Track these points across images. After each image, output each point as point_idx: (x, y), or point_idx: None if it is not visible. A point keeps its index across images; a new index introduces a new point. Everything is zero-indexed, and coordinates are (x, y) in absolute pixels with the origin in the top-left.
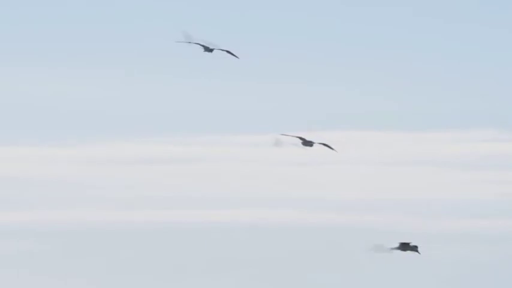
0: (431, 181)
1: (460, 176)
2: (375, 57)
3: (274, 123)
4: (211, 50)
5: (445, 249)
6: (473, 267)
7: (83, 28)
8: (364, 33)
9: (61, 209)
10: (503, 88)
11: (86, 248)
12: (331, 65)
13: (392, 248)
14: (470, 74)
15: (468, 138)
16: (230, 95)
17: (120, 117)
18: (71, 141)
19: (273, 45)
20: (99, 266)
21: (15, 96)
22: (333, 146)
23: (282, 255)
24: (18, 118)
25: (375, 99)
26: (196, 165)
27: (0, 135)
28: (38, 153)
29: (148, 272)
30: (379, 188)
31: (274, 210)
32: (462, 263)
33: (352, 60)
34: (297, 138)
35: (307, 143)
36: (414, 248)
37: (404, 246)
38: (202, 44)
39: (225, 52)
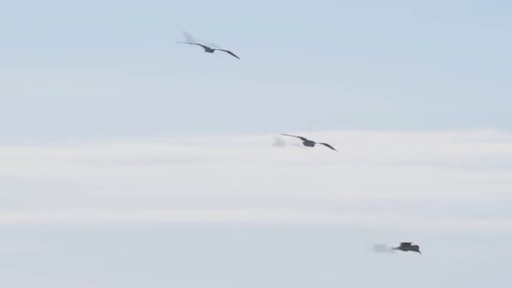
0: (431, 181)
1: (460, 176)
2: (375, 57)
3: (274, 123)
4: (212, 51)
5: (445, 249)
6: (473, 267)
7: (83, 28)
8: (364, 33)
9: (61, 209)
10: (503, 88)
11: (86, 248)
12: (331, 65)
13: (394, 248)
14: (470, 74)
15: (468, 138)
16: (230, 95)
17: (120, 117)
18: (71, 141)
19: (273, 45)
20: (99, 266)
21: (15, 96)
22: (333, 146)
23: (282, 255)
24: (18, 118)
25: (375, 99)
26: (196, 165)
27: (0, 135)
28: (38, 153)
29: (148, 272)
30: (379, 188)
31: (274, 210)
32: (462, 263)
33: (352, 60)
34: (298, 138)
35: (309, 143)
36: (415, 248)
37: (406, 246)
38: (203, 44)
39: (225, 52)
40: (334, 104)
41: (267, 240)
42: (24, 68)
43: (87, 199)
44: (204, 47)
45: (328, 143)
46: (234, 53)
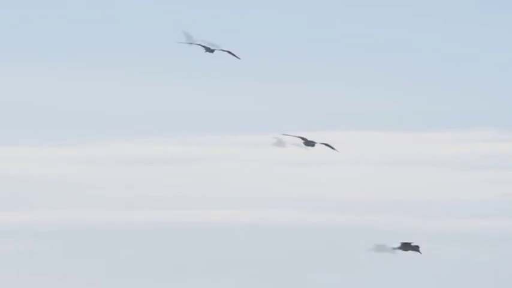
0: (431, 181)
1: (460, 176)
2: (375, 57)
3: (274, 123)
4: (212, 51)
5: (445, 249)
6: (473, 267)
7: (83, 28)
8: (364, 33)
9: (61, 209)
10: (503, 88)
11: (86, 248)
12: (331, 65)
13: (394, 248)
14: (470, 74)
15: (468, 138)
16: (230, 95)
17: (120, 117)
18: (71, 141)
19: (273, 45)
20: (99, 266)
21: (15, 96)
22: (334, 146)
23: (282, 255)
24: (18, 118)
25: (375, 99)
26: (196, 165)
27: (0, 135)
28: (38, 153)
29: (148, 272)
30: (379, 188)
31: (274, 210)
32: (462, 263)
33: (352, 60)
34: (299, 138)
35: (309, 143)
36: (416, 248)
37: (406, 246)
38: (203, 44)
39: (226, 53)
40: (334, 104)
41: (267, 240)
42: (24, 68)
43: (87, 199)
44: (204, 47)
45: (328, 143)
46: (235, 53)
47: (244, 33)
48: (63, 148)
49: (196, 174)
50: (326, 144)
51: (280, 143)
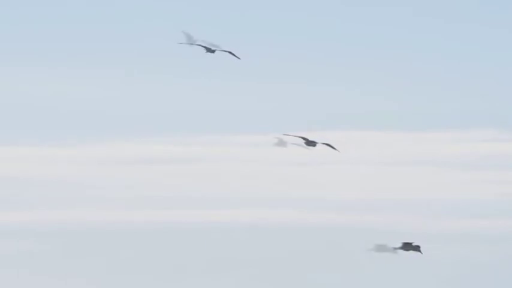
0: (431, 181)
1: (460, 176)
2: (375, 57)
3: (275, 123)
4: (213, 51)
5: (445, 249)
6: (473, 267)
7: (83, 28)
8: (364, 33)
9: (61, 209)
10: (503, 88)
11: (86, 248)
12: (331, 65)
13: (395, 248)
14: (470, 74)
15: (468, 138)
16: (230, 95)
17: (120, 117)
18: (71, 141)
19: (273, 45)
20: (99, 266)
21: (15, 96)
22: (335, 146)
23: (282, 255)
24: (18, 118)
25: (375, 99)
26: (196, 165)
27: (0, 135)
28: (38, 153)
29: (148, 272)
30: (379, 188)
31: (274, 210)
32: (462, 263)
33: (352, 60)
34: (300, 138)
35: (310, 143)
36: (416, 248)
37: (407, 246)
38: (204, 45)
39: (227, 53)
40: (334, 104)
41: (267, 240)
42: (24, 68)
43: (87, 199)
44: (205, 47)
45: (329, 143)
46: (235, 54)
47: (244, 33)
48: (63, 148)
49: (196, 174)
50: (327, 144)
51: (281, 143)
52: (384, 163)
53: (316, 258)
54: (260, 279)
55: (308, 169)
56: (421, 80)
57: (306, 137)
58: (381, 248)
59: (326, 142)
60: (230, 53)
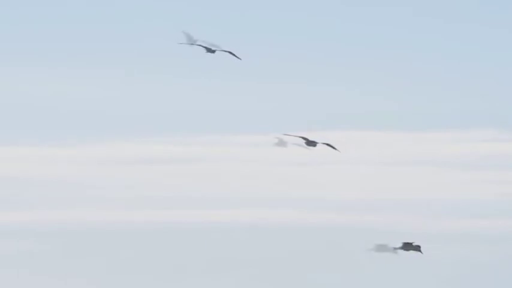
0: (431, 181)
1: (460, 176)
2: (375, 57)
3: (275, 123)
4: (213, 51)
5: (445, 249)
6: (473, 267)
7: (83, 28)
8: (364, 33)
9: (61, 209)
10: (503, 88)
11: (86, 248)
12: (331, 65)
13: (396, 248)
14: (470, 74)
15: (468, 138)
16: (230, 95)
17: (120, 117)
18: (71, 141)
19: (273, 45)
20: (99, 266)
21: (15, 96)
22: (335, 146)
23: (282, 255)
24: (18, 118)
25: (375, 99)
26: (196, 165)
27: (0, 135)
28: (38, 153)
29: (148, 272)
30: (379, 188)
31: (274, 210)
32: (462, 263)
33: (352, 60)
34: (301, 138)
35: (311, 143)
36: (417, 248)
37: (407, 246)
38: (204, 45)
39: (227, 53)
40: (334, 104)
41: (267, 240)
42: (24, 68)
43: (87, 199)
44: (205, 47)
45: (330, 143)
46: (235, 54)
47: (244, 33)
48: (63, 148)
49: (196, 174)
50: (328, 144)
51: (281, 143)
52: (384, 163)
53: (316, 258)
54: (260, 279)
55: (308, 169)
56: (421, 80)
57: (306, 137)
58: (381, 248)
59: (326, 142)
60: (230, 53)
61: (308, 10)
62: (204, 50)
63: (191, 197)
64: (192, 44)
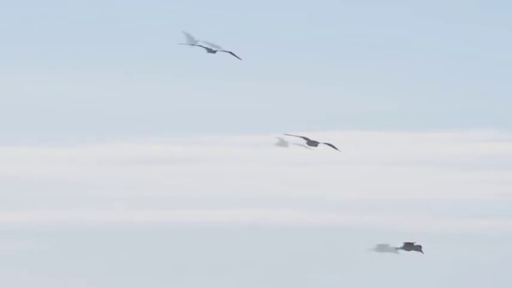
0: (431, 181)
1: (460, 176)
2: (375, 57)
3: (275, 123)
4: (214, 52)
5: (445, 249)
6: (473, 267)
7: (83, 28)
8: (364, 33)
9: (61, 209)
10: (503, 88)
11: (86, 248)
12: (331, 65)
13: (397, 248)
14: (470, 74)
15: (468, 138)
16: (230, 95)
17: (120, 117)
18: (71, 141)
19: (273, 45)
20: (99, 266)
21: (15, 96)
22: (336, 146)
23: (282, 255)
24: (18, 118)
25: (375, 99)
26: (196, 165)
27: (0, 135)
28: (38, 153)
29: (148, 272)
30: (379, 188)
31: (274, 210)
32: (462, 263)
33: (352, 60)
34: (301, 138)
35: (312, 143)
36: (418, 248)
37: (408, 246)
38: (205, 45)
39: (227, 53)
40: (334, 104)
41: (267, 240)
42: (24, 68)
43: (87, 199)
44: (205, 48)
45: (331, 143)
46: (236, 54)
47: (244, 33)
48: (63, 148)
49: (196, 174)
50: (329, 144)
51: (282, 143)
52: (384, 163)
53: (316, 258)
54: (260, 279)
55: (308, 169)
56: (421, 80)
57: (307, 137)
58: (382, 248)
59: (327, 142)
60: (231, 53)
61: (308, 10)
62: (205, 51)
63: (191, 197)
64: (193, 44)
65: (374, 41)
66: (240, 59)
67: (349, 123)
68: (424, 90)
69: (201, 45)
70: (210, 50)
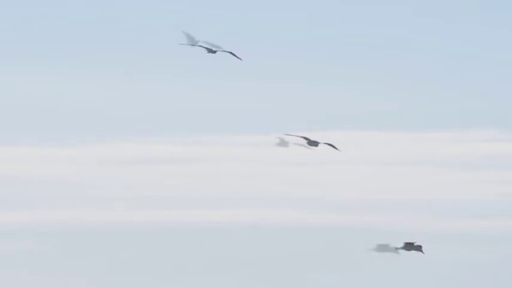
0: (431, 181)
1: (460, 176)
2: (375, 57)
3: (275, 123)
4: (214, 52)
5: (445, 249)
6: (473, 267)
7: (83, 28)
8: (364, 33)
9: (61, 209)
10: (503, 88)
11: (86, 248)
12: (331, 65)
13: (397, 248)
14: (470, 74)
15: (468, 138)
16: (230, 95)
17: (120, 117)
18: (71, 141)
19: (273, 45)
20: (99, 266)
21: (15, 96)
22: (337, 146)
23: (282, 255)
24: (18, 118)
25: (375, 99)
26: (196, 165)
27: (0, 135)
28: (38, 153)
29: (148, 272)
30: (379, 188)
31: (274, 210)
32: (462, 263)
33: (352, 60)
34: (302, 138)
35: (313, 143)
36: (418, 248)
37: (409, 246)
38: (205, 46)
39: (228, 53)
40: (334, 104)
41: (267, 240)
42: (24, 68)
43: (87, 199)
44: (206, 48)
45: (331, 143)
46: (236, 54)
47: (244, 33)
48: (63, 148)
49: (196, 174)
50: (329, 144)
51: (283, 143)
52: (384, 163)
53: (316, 258)
54: (260, 279)
55: (308, 169)
56: (421, 80)
57: (308, 137)
58: (382, 248)
59: (328, 142)
60: (231, 53)
61: (308, 10)
62: (205, 51)
63: (191, 197)
64: (193, 45)
65: (374, 41)
66: (240, 59)
67: (349, 123)
68: (424, 90)
69: (201, 46)
70: (210, 50)
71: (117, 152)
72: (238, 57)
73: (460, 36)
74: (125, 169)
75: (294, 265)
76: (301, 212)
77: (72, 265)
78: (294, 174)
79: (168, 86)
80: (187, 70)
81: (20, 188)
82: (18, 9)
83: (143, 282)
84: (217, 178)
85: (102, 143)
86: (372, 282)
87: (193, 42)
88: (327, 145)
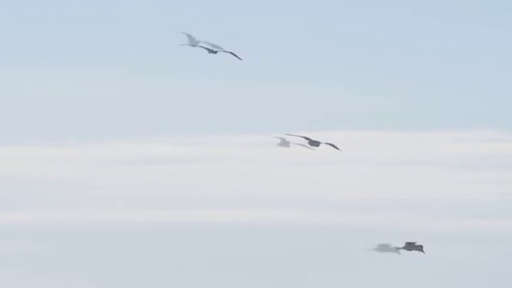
0: (431, 181)
1: (460, 176)
2: (375, 57)
3: (275, 123)
4: (215, 52)
5: (445, 249)
6: (473, 267)
7: (83, 28)
8: (364, 33)
9: (61, 209)
10: (503, 88)
11: (86, 248)
12: (331, 65)
13: (398, 248)
14: (470, 74)
15: (468, 138)
16: (230, 95)
17: (120, 117)
18: (71, 141)
19: (273, 45)
20: (99, 266)
21: (15, 96)
22: (338, 146)
23: (282, 255)
24: (18, 118)
25: (375, 99)
26: (196, 165)
27: (0, 135)
28: (38, 153)
29: (148, 272)
30: (379, 188)
31: (274, 210)
32: (462, 263)
33: (352, 60)
34: (303, 138)
35: (314, 143)
36: (419, 248)
37: (410, 246)
38: (205, 46)
39: (228, 54)
40: (334, 104)
41: (267, 240)
42: (24, 68)
43: (87, 199)
44: (207, 48)
45: (332, 143)
46: (237, 55)
47: (244, 33)
48: (63, 148)
49: (196, 174)
50: (330, 144)
51: (284, 143)
52: (384, 163)
53: (316, 258)
54: (260, 279)
55: (308, 169)
56: (421, 80)
57: (308, 137)
58: (383, 248)
59: (329, 142)
60: (232, 53)
61: (308, 10)
62: (206, 51)
63: (191, 197)
64: (194, 45)
65: (374, 41)
66: (241, 59)
67: (349, 123)
68: (424, 90)
69: (202, 46)
70: (211, 51)
71: (117, 152)
72: (238, 58)
73: (460, 36)
74: (125, 169)
75: (294, 265)
76: (301, 212)
77: (72, 265)
78: (294, 174)
79: (168, 86)
80: (187, 70)
81: (20, 188)
82: (18, 9)
83: (143, 282)
84: (217, 178)
85: (102, 143)
86: (372, 282)
87: (194, 43)
88: (328, 145)
